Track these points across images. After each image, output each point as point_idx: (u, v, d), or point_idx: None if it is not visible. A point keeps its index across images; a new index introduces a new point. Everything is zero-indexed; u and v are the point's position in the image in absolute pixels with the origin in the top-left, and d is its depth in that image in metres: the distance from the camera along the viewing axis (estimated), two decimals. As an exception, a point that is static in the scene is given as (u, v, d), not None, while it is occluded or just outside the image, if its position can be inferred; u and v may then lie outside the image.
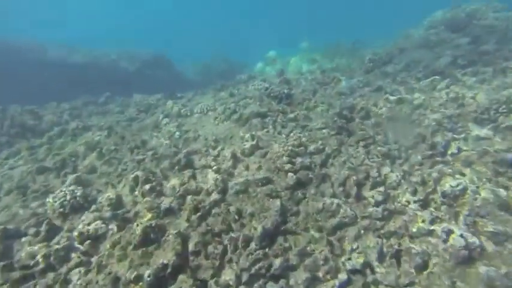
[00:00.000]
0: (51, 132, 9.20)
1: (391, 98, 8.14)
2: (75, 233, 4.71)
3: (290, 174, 5.68)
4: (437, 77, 8.20)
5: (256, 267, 4.23)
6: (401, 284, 3.97)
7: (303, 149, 6.41)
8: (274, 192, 5.51)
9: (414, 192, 5.18)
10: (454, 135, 6.09)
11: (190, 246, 4.69)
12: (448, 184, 4.88)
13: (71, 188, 5.61)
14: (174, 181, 6.25)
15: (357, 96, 8.83)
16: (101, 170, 6.98)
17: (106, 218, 5.10)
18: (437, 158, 5.77)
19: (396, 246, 4.33)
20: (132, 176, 6.28)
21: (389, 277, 4.05)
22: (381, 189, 5.27)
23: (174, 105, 10.71)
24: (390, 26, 19.50)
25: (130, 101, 13.06)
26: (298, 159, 6.06)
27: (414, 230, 4.51)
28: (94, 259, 4.46)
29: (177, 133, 8.11)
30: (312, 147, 6.47)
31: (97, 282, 4.23)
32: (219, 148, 6.94)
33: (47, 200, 5.35)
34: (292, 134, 6.94)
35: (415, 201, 4.91)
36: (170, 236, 4.81)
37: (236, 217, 5.20)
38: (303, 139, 6.74)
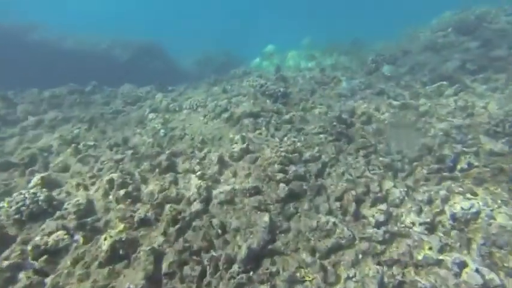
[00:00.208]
0: (25, 122, 8.43)
1: (395, 102, 7.57)
2: (29, 247, 4.06)
3: (282, 185, 5.09)
4: (444, 82, 7.62)
5: (238, 294, 3.67)
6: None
7: (297, 155, 5.83)
8: (263, 204, 4.93)
9: (419, 212, 4.63)
10: (464, 148, 5.53)
11: (164, 267, 4.10)
12: (459, 206, 4.33)
13: (34, 190, 4.94)
14: (153, 186, 5.62)
15: (358, 99, 8.24)
16: (75, 168, 6.31)
17: (71, 227, 4.46)
18: (445, 173, 5.22)
19: (399, 277, 3.77)
20: (107, 178, 5.64)
21: (390, 315, 3.51)
22: (383, 207, 4.70)
23: (163, 99, 10.04)
24: (390, 26, 18.84)
25: (118, 91, 12.29)
26: (292, 168, 5.47)
27: (420, 257, 3.95)
28: (49, 279, 3.82)
29: (162, 131, 7.45)
30: (307, 154, 5.88)
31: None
32: (206, 150, 6.32)
33: (1, 204, 4.67)
34: (286, 138, 6.34)
35: (420, 224, 4.35)
36: (142, 253, 4.20)
37: (219, 231, 4.63)
38: (298, 144, 6.15)
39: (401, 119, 7.06)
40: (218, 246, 4.52)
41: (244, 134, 6.55)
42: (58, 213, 4.68)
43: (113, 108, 10.18)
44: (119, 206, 5.05)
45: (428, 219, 4.30)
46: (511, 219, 4.00)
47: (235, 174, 5.71)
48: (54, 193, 5.32)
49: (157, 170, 5.93)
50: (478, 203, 4.30)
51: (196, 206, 5.03)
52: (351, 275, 3.94)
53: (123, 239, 4.24)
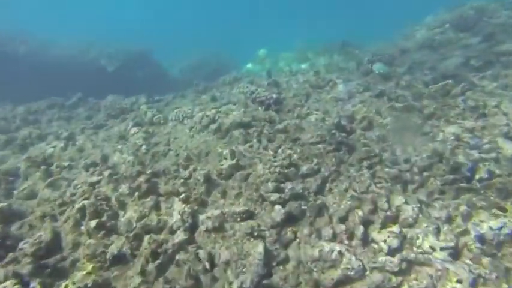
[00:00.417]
0: (-6, 141, 7.67)
1: (397, 105, 6.97)
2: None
3: (277, 206, 4.42)
4: (449, 81, 7.03)
5: None
6: None
7: (293, 169, 5.17)
8: (257, 230, 4.25)
9: (438, 233, 3.98)
10: (482, 155, 4.90)
11: (139, 317, 3.40)
12: (486, 225, 3.69)
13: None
14: (131, 212, 4.93)
15: (357, 103, 7.62)
16: (43, 194, 5.58)
17: (25, 273, 3.73)
18: (462, 184, 4.59)
19: (423, 320, 3.11)
20: (78, 206, 4.94)
21: None
22: (395, 229, 4.04)
23: (147, 111, 9.33)
24: (386, 26, 18.37)
25: (101, 104, 11.57)
26: (288, 185, 4.82)
27: (446, 293, 3.30)
28: None
29: (144, 147, 6.77)
30: (304, 168, 5.22)
31: None
32: (191, 168, 5.63)
33: None
34: (280, 151, 5.68)
35: (442, 248, 3.70)
36: (112, 300, 3.51)
37: (207, 265, 3.95)
38: (294, 156, 5.49)
39: (406, 122, 6.45)
40: (206, 284, 3.84)
41: (233, 147, 5.88)
42: (10, 256, 3.95)
43: (94, 123, 9.48)
44: (88, 240, 4.34)
45: (452, 244, 3.65)
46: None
47: (224, 195, 5.04)
48: (13, 227, 4.60)
49: (136, 193, 5.23)
50: (509, 220, 3.66)
51: (180, 235, 4.35)
52: (364, 317, 3.27)
53: (89, 286, 3.53)
